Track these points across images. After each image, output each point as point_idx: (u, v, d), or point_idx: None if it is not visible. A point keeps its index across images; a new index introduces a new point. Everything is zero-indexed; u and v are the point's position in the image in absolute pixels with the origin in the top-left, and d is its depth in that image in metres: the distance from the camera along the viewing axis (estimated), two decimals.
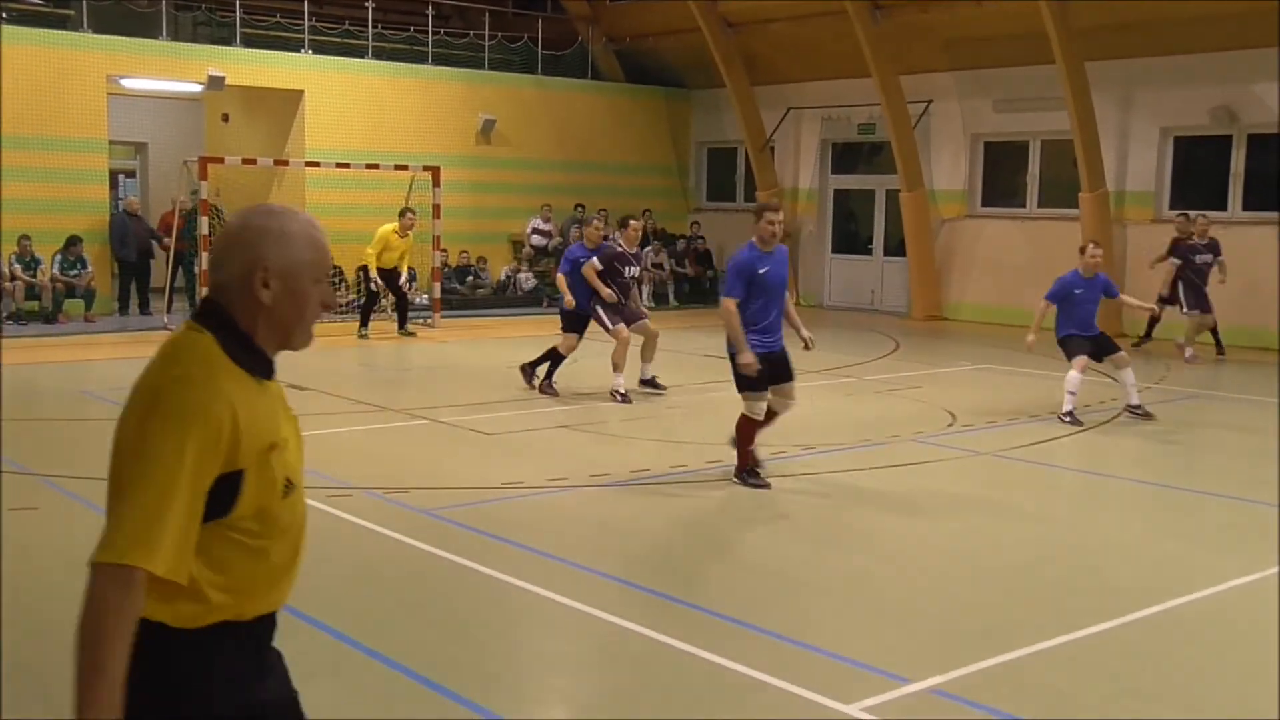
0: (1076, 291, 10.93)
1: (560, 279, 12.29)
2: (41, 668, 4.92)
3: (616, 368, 11.57)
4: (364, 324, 16.72)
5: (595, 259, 11.74)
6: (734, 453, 8.32)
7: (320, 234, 2.46)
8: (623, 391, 11.50)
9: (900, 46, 19.70)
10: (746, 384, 8.07)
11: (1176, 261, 15.59)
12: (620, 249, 11.88)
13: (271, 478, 2.33)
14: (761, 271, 8.04)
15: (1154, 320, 16.38)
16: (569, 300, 12.01)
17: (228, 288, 2.37)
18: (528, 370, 12.16)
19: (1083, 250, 11.09)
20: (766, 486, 8.17)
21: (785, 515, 7.72)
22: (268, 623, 2.46)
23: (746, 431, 8.22)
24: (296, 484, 2.42)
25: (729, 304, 7.96)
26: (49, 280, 17.20)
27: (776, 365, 8.17)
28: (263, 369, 2.41)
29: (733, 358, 8.05)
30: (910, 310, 20.56)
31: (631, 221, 12.11)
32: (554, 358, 12.06)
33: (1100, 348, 11.02)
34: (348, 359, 14.99)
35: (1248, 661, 5.33)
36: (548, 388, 11.96)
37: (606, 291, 11.66)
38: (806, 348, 8.47)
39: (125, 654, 2.17)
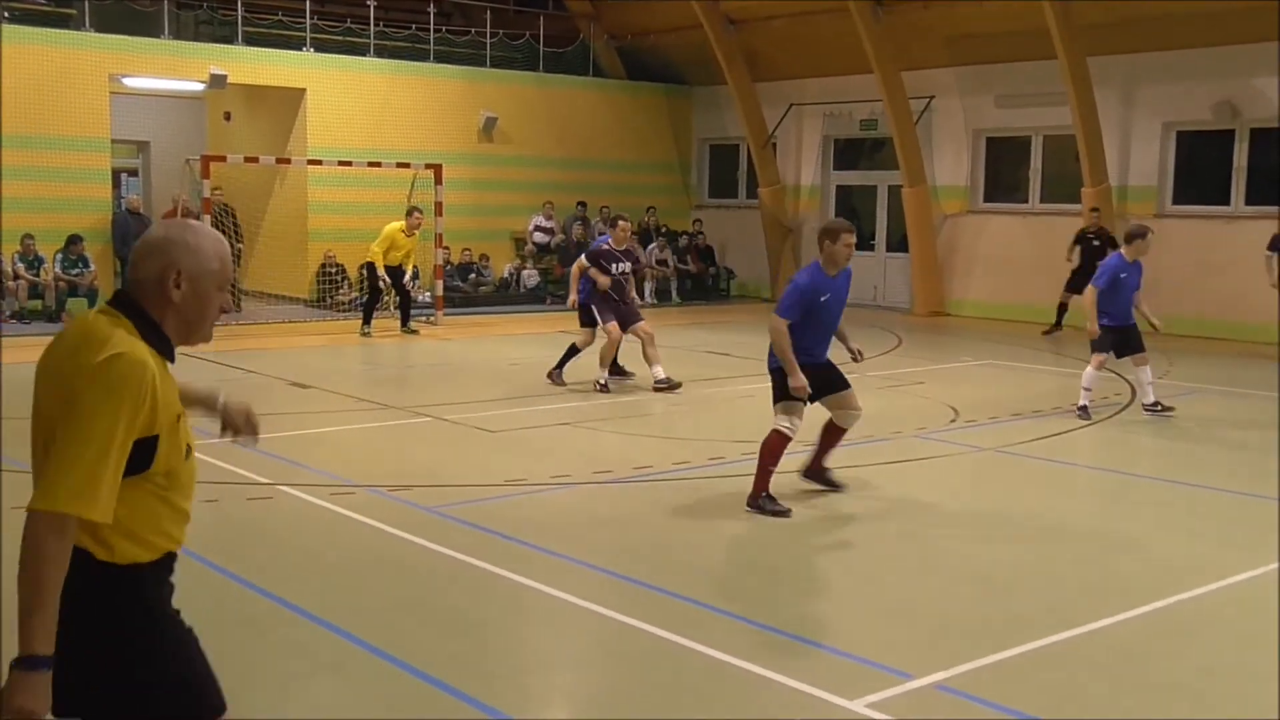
0: (1122, 276, 10.64)
1: (576, 269, 12.83)
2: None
3: (603, 362, 11.93)
4: (366, 322, 16.74)
5: (583, 256, 12.20)
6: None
7: (226, 250, 2.91)
8: (603, 382, 11.91)
9: (902, 42, 19.69)
10: (785, 394, 7.49)
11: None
12: (607, 247, 12.13)
13: (178, 442, 2.80)
14: (824, 299, 7.52)
15: (1063, 308, 17.25)
16: (571, 301, 12.67)
17: (144, 284, 2.80)
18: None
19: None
20: (786, 514, 7.41)
21: (788, 512, 7.70)
22: (174, 558, 2.91)
23: (774, 449, 7.51)
24: (193, 448, 2.92)
25: (780, 324, 7.38)
26: (52, 279, 17.23)
27: (823, 374, 7.68)
28: (168, 353, 2.84)
29: (773, 372, 7.61)
30: (913, 306, 20.56)
31: (620, 222, 12.43)
32: (573, 351, 12.46)
33: (1127, 341, 10.81)
34: (350, 357, 15.00)
35: (1253, 657, 5.33)
36: (556, 377, 12.31)
37: (573, 298, 12.45)
38: (855, 359, 8.12)
39: (59, 590, 2.57)
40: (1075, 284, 16.28)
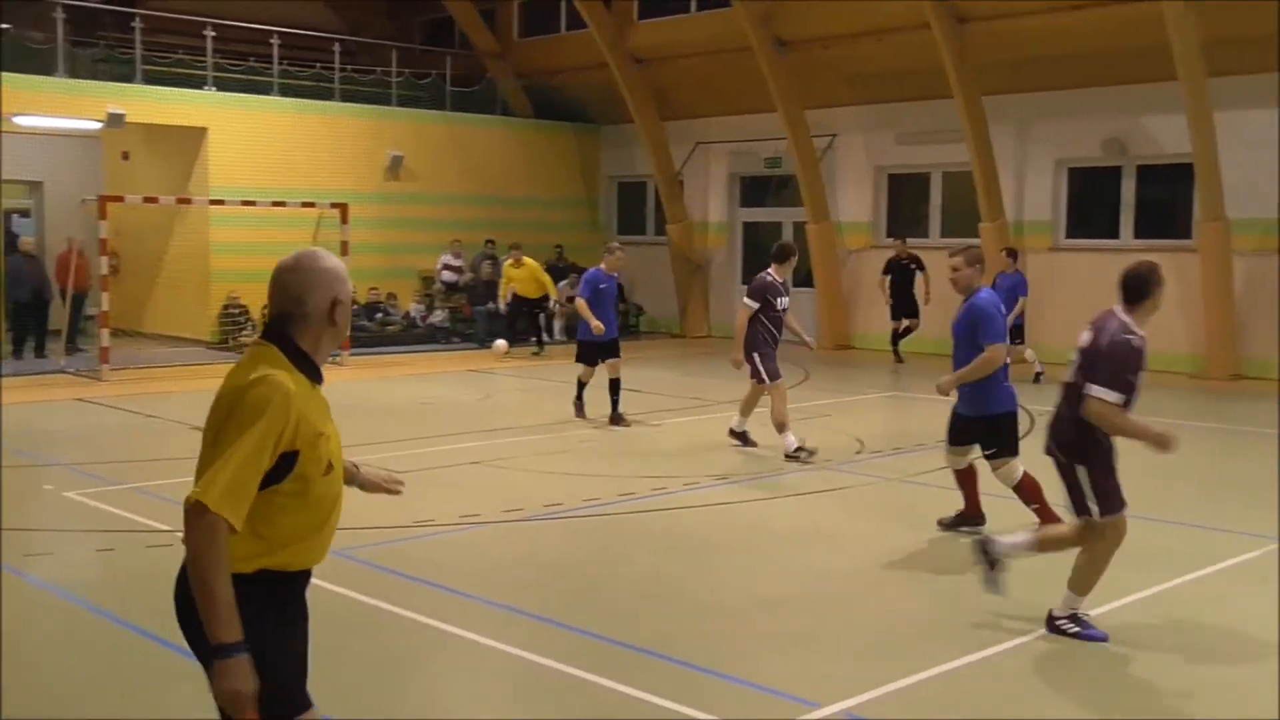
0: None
1: (581, 304, 12.25)
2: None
3: (783, 427, 10.47)
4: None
5: (748, 294, 10.75)
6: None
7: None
8: (802, 447, 10.43)
9: (805, 81, 20.08)
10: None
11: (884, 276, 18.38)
12: (772, 279, 10.71)
13: (318, 457, 3.06)
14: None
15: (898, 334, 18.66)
16: (596, 327, 12.03)
17: (311, 316, 3.12)
18: (579, 406, 12.44)
19: None
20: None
21: (698, 546, 7.74)
22: (306, 576, 3.20)
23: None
24: (336, 467, 3.16)
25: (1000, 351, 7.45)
26: None
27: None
28: (316, 376, 3.16)
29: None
30: (819, 339, 20.82)
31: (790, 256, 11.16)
32: (580, 385, 12.43)
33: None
34: None
35: (1154, 669, 5.48)
36: (617, 419, 12.19)
37: (596, 324, 11.96)
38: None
39: (225, 581, 2.87)
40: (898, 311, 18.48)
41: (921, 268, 18.25)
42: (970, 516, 7.94)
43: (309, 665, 3.24)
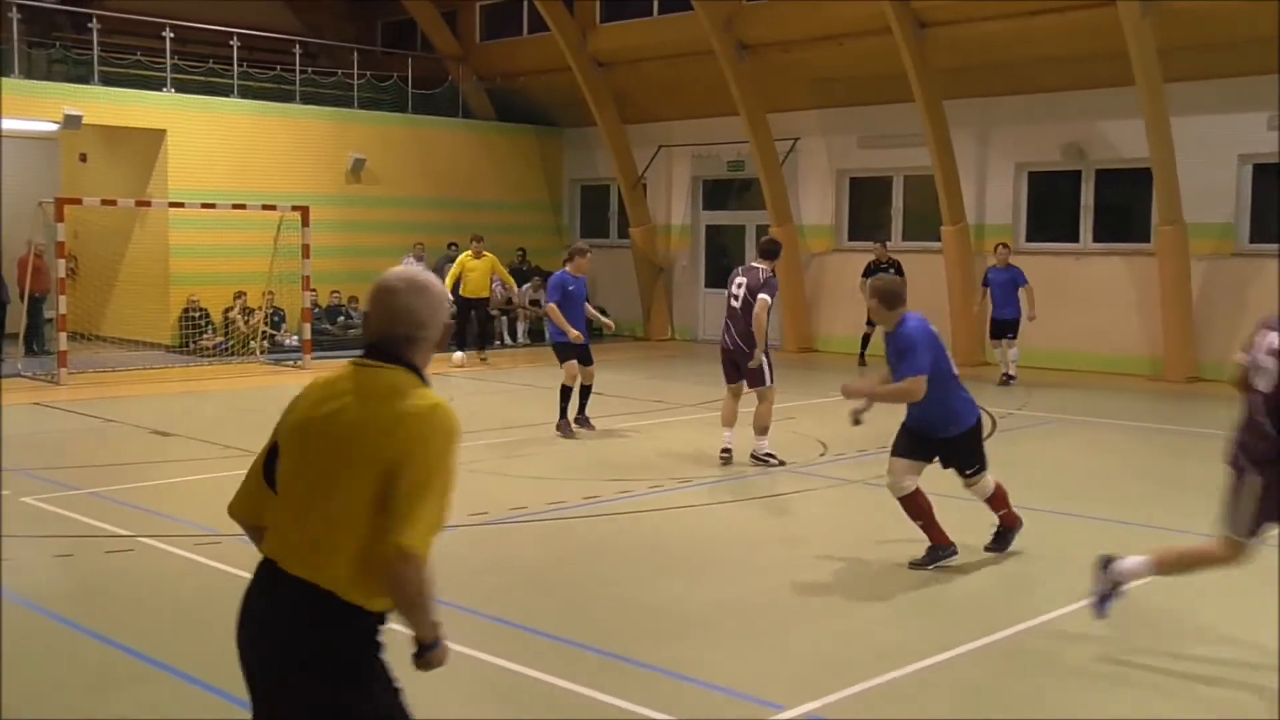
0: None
1: (553, 310, 11.89)
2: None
3: (766, 431, 10.30)
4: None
5: (764, 292, 10.04)
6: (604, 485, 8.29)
7: None
8: (772, 454, 10.35)
9: (766, 85, 20.16)
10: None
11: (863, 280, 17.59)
12: (772, 274, 10.30)
13: None
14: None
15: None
16: (575, 336, 11.67)
17: (428, 341, 3.03)
18: (564, 425, 11.86)
19: None
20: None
21: (662, 549, 7.75)
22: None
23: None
24: None
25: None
26: None
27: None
28: None
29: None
30: (782, 343, 20.90)
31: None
32: (564, 393, 11.87)
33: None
34: (215, 403, 14.60)
35: (1118, 669, 5.54)
36: (583, 422, 11.94)
37: (575, 333, 11.62)
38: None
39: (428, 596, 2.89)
40: None
41: (900, 272, 18.07)
42: (942, 547, 7.25)
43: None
